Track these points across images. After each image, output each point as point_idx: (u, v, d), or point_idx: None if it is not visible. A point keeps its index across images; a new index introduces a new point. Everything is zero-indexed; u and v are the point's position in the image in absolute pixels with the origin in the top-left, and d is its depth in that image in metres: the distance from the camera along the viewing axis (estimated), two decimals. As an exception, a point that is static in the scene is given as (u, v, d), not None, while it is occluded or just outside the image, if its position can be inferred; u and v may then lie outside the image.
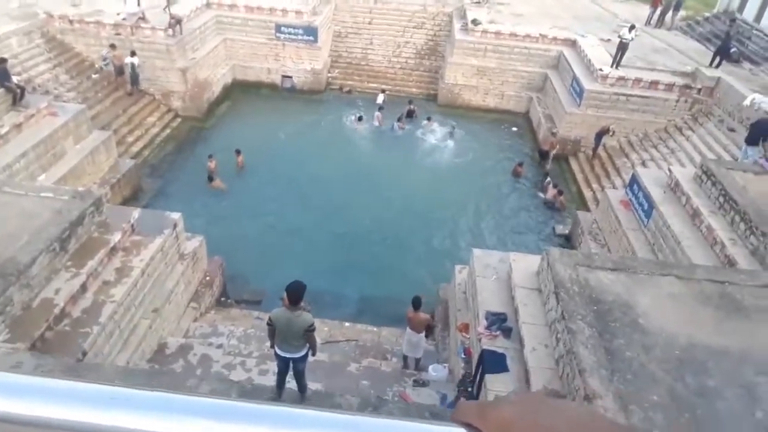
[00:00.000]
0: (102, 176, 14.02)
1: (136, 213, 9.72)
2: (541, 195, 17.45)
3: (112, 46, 18.61)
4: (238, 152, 17.09)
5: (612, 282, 8.20)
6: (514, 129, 22.26)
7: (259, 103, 22.24)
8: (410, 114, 21.51)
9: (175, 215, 10.05)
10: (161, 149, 18.06)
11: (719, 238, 10.24)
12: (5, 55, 14.62)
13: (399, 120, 20.97)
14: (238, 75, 23.29)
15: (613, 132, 18.53)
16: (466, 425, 0.54)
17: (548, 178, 17.91)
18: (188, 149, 18.47)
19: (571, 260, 8.50)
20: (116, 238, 8.90)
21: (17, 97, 13.05)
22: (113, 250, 8.81)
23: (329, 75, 24.52)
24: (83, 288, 8.04)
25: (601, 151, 19.24)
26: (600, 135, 18.51)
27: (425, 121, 21.52)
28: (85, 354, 7.20)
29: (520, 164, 18.93)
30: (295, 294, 5.46)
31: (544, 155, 19.62)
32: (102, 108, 17.42)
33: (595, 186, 17.47)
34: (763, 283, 8.19)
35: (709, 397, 6.31)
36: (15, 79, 13.82)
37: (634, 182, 13.27)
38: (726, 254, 9.94)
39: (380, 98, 22.56)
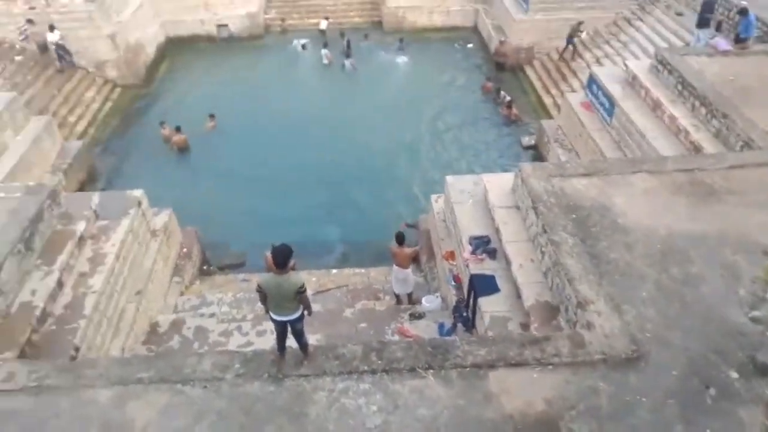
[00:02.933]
0: (52, 164, 13.33)
1: (95, 197, 9.32)
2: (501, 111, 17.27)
3: (30, 22, 17.28)
4: (211, 116, 16.47)
5: (586, 187, 8.29)
6: (470, 45, 21.83)
7: (198, 59, 21.19)
8: (348, 46, 20.68)
9: (137, 193, 9.67)
10: (107, 124, 17.19)
11: (682, 126, 10.37)
12: None
13: (348, 57, 20.28)
14: (170, 32, 22.00)
15: (583, 31, 18.04)
16: None
17: (501, 93, 17.68)
18: (135, 119, 17.64)
19: (543, 172, 8.54)
20: (81, 227, 8.55)
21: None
22: (81, 240, 8.48)
23: (266, 17, 23.36)
24: (60, 284, 7.78)
25: (554, 54, 19.03)
26: (571, 37, 17.92)
27: (363, 41, 21.47)
28: (77, 349, 7.06)
29: (489, 78, 18.61)
30: (280, 258, 5.32)
31: (500, 66, 19.29)
32: (35, 91, 16.32)
33: (554, 92, 17.40)
34: (730, 164, 8.38)
35: (694, 283, 6.55)
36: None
37: (592, 82, 13.24)
38: (691, 141, 10.11)
39: (323, 24, 22.21)
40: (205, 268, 11.64)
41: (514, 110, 16.86)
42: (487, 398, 5.38)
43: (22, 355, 6.63)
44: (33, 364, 5.94)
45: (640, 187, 8.10)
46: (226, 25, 22.21)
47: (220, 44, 22.07)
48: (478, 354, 5.79)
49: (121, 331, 8.26)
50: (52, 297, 7.57)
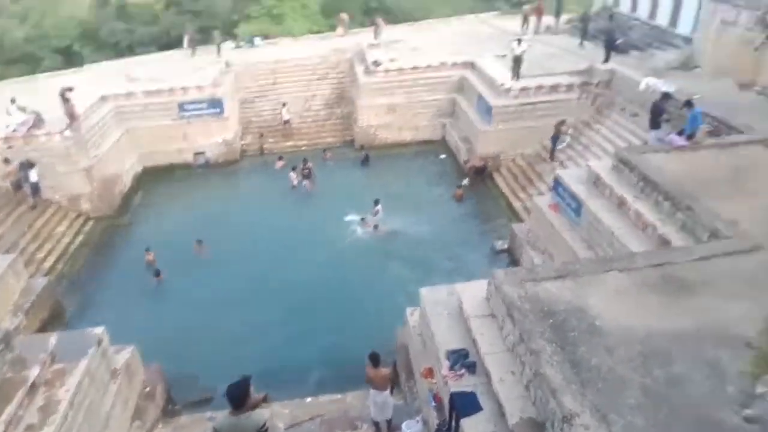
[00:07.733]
0: (14, 303, 12.87)
1: (53, 339, 8.83)
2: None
3: (6, 161, 17.54)
4: (199, 242, 16.52)
5: (560, 290, 8.09)
6: (443, 156, 22.65)
7: (174, 186, 21.47)
8: (308, 174, 20.78)
9: (98, 330, 9.22)
10: (76, 259, 16.91)
11: (648, 221, 10.45)
12: None
13: (306, 179, 20.71)
14: (147, 162, 22.49)
15: (568, 127, 18.64)
16: None
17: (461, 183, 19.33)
18: (106, 251, 17.44)
19: (516, 278, 8.34)
20: (34, 373, 8.00)
21: None
22: (33, 387, 7.90)
23: (242, 143, 24.15)
24: (4, 439, 7.13)
25: (520, 160, 19.67)
26: (556, 137, 18.40)
27: (327, 158, 22.80)
28: None
29: (459, 187, 19.17)
30: (235, 396, 4.89)
31: (479, 171, 19.86)
32: (3, 229, 16.23)
33: (522, 196, 17.76)
34: (699, 256, 8.32)
35: (679, 384, 6.19)
36: None
37: (558, 185, 13.53)
38: (658, 235, 10.14)
39: (285, 114, 24.04)
40: (169, 407, 10.85)
41: (460, 191, 19.10)
42: None
43: None
44: None
45: (613, 286, 7.93)
46: (202, 153, 22.82)
47: (196, 171, 22.52)
48: (459, 487, 5.23)
49: (71, 488, 7.47)
50: (-6, 456, 6.90)
